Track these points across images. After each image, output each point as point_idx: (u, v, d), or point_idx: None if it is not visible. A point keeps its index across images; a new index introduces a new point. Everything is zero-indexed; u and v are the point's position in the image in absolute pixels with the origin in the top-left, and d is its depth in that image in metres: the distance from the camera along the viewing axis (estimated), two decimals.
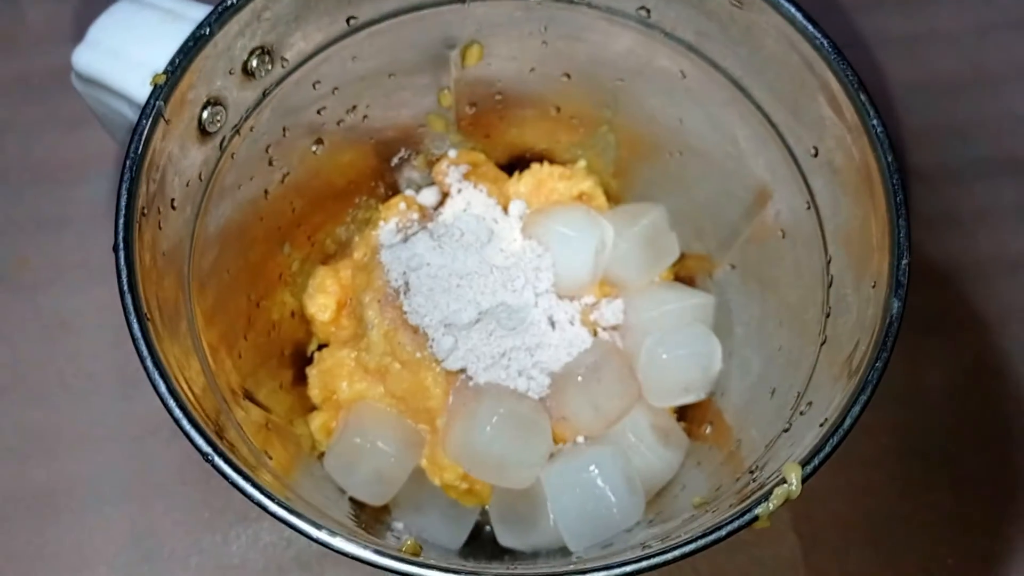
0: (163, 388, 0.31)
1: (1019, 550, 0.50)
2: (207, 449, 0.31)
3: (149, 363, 0.31)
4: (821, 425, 0.33)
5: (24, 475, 0.50)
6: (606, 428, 0.45)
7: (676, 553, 0.31)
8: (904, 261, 0.33)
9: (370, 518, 0.44)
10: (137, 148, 0.33)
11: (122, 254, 0.32)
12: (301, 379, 0.47)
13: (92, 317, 0.53)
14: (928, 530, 0.50)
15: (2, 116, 0.58)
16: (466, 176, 0.48)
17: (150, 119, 0.34)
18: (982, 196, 0.58)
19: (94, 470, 0.51)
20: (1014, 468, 0.52)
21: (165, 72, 0.34)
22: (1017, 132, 0.59)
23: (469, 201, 0.47)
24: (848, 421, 0.32)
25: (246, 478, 0.31)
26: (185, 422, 0.31)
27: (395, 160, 0.49)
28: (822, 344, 0.37)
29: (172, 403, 0.31)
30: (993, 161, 0.58)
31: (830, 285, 0.37)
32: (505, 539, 0.45)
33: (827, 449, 0.31)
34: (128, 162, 0.33)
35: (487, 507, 0.46)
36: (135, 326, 0.32)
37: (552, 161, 0.50)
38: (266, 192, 0.42)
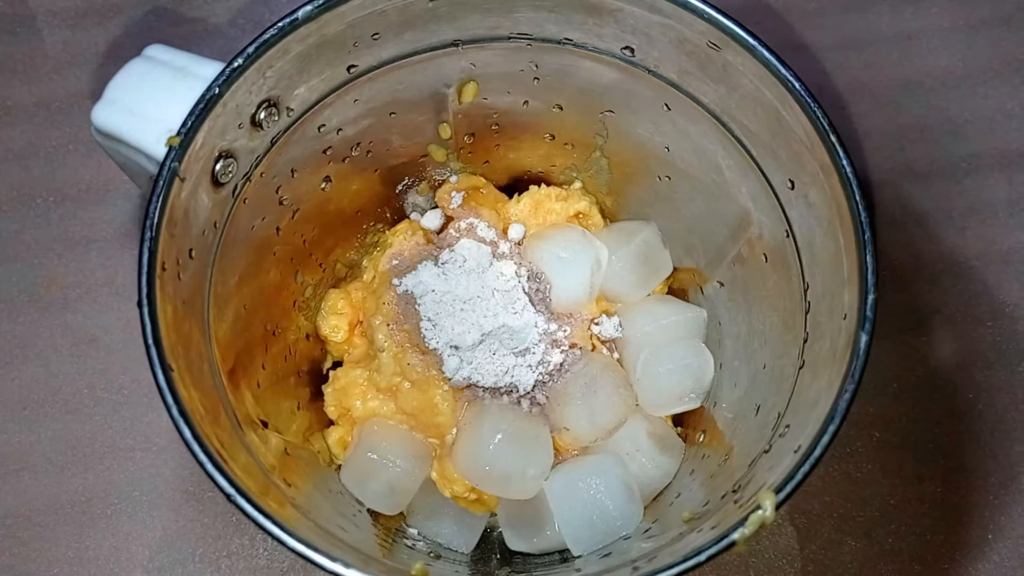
0: (188, 435, 0.33)
1: (1011, 539, 0.52)
2: (230, 491, 0.33)
3: (175, 412, 0.34)
4: (796, 451, 0.34)
5: (62, 485, 0.53)
6: (605, 438, 0.47)
7: None
8: (871, 297, 0.34)
9: (386, 525, 0.47)
10: (155, 209, 0.35)
11: (146, 310, 0.34)
12: (318, 395, 0.49)
13: (119, 333, 0.56)
14: (921, 520, 0.52)
15: (27, 140, 0.60)
16: (466, 200, 0.50)
17: (166, 181, 0.35)
18: (973, 191, 0.58)
19: (127, 479, 0.53)
20: (1005, 459, 0.53)
21: (179, 134, 0.36)
22: (1007, 128, 0.60)
23: (471, 226, 0.49)
24: (818, 451, 0.33)
25: (268, 517, 0.33)
26: (209, 466, 0.33)
27: (400, 187, 0.51)
28: (800, 368, 0.38)
29: (197, 448, 0.33)
30: (984, 157, 0.59)
31: (807, 311, 0.39)
32: (514, 543, 0.47)
33: (799, 477, 0.33)
34: (148, 222, 0.35)
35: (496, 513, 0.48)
36: (160, 377, 0.34)
37: (549, 182, 0.52)
38: (278, 229, 0.44)
